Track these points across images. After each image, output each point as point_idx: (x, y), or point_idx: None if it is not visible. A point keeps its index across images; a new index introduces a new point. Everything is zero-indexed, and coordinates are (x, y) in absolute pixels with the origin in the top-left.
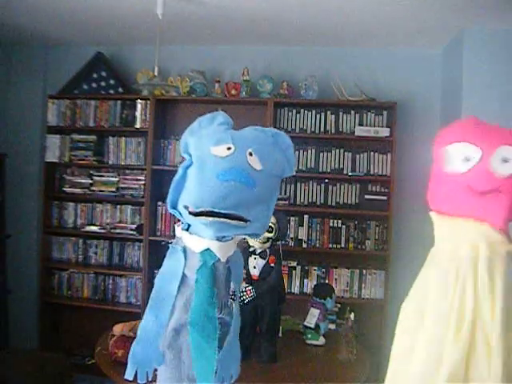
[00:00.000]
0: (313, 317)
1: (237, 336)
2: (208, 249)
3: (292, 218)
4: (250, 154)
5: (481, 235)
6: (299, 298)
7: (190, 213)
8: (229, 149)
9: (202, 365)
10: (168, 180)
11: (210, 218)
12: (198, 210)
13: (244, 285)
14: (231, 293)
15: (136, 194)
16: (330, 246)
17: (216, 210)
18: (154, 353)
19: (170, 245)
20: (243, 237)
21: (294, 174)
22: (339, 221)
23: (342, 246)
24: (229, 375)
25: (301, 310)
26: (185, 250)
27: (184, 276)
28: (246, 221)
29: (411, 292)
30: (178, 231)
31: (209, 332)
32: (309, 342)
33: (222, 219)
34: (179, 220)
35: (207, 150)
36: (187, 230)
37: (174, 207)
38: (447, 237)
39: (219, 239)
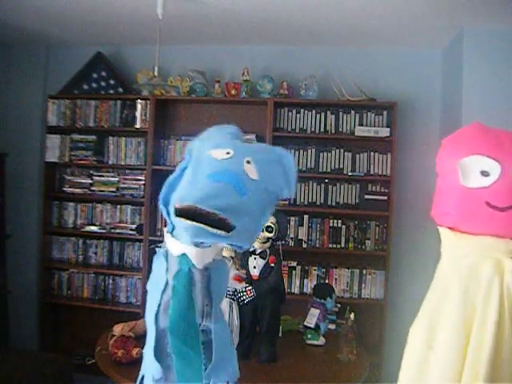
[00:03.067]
0: (313, 317)
1: (226, 342)
2: (184, 254)
3: (292, 218)
4: (248, 162)
5: (504, 251)
6: (299, 298)
7: (175, 208)
8: (227, 153)
9: (188, 374)
10: None
11: (189, 222)
12: (181, 206)
13: (244, 285)
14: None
15: (136, 194)
16: (330, 246)
17: (199, 207)
18: (153, 363)
19: (156, 248)
20: (224, 245)
21: (293, 197)
22: (339, 221)
23: (342, 246)
24: (223, 381)
25: (301, 309)
26: (167, 254)
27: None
28: (229, 229)
29: (423, 312)
30: (165, 234)
31: (191, 338)
32: (309, 342)
33: (199, 224)
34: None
35: (206, 152)
36: (171, 232)
37: (165, 204)
38: (465, 254)
39: (196, 245)
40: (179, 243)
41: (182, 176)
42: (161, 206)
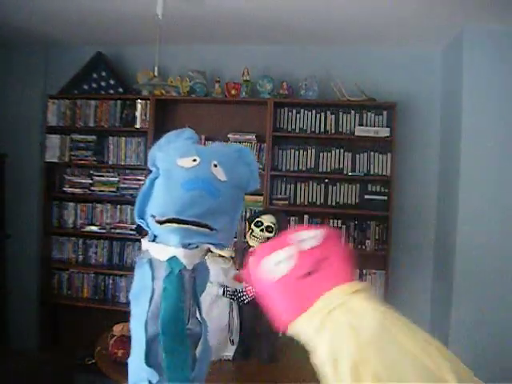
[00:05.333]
0: None
1: (208, 345)
2: (174, 256)
3: (292, 218)
4: (215, 166)
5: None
6: None
7: (157, 221)
8: (194, 160)
9: (177, 365)
10: None
11: (175, 225)
12: (163, 219)
13: (244, 285)
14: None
15: (136, 194)
16: None
17: (181, 218)
18: (145, 369)
19: (137, 259)
20: (209, 246)
21: (259, 187)
22: (339, 221)
23: None
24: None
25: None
26: (151, 262)
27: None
28: (211, 229)
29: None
30: (144, 244)
31: (180, 336)
32: None
33: (187, 226)
34: (145, 234)
35: (173, 162)
36: (153, 241)
37: (142, 217)
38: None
39: (185, 246)
40: (167, 247)
41: (153, 187)
42: (137, 221)
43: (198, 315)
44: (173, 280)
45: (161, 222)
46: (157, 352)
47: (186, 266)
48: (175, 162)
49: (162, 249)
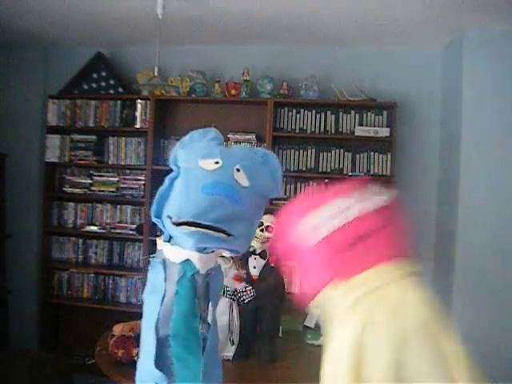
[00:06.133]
0: (313, 317)
1: (216, 351)
2: (188, 260)
3: None
4: (238, 170)
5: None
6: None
7: (173, 223)
8: (216, 163)
9: (187, 378)
10: None
11: (193, 228)
12: (180, 221)
13: (244, 285)
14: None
15: (136, 194)
16: None
17: (198, 222)
18: (154, 372)
19: (151, 259)
20: (223, 252)
21: (280, 195)
22: None
23: None
24: None
25: (301, 310)
26: (164, 263)
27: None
28: (228, 235)
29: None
30: (160, 244)
31: (193, 344)
32: (309, 341)
33: (204, 230)
34: (161, 233)
35: (195, 163)
36: (168, 241)
37: (158, 217)
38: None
39: (200, 250)
40: (182, 250)
41: (172, 187)
42: (154, 220)
43: (212, 321)
44: (185, 284)
45: (177, 224)
46: (166, 355)
47: (199, 270)
48: (197, 163)
49: (177, 251)
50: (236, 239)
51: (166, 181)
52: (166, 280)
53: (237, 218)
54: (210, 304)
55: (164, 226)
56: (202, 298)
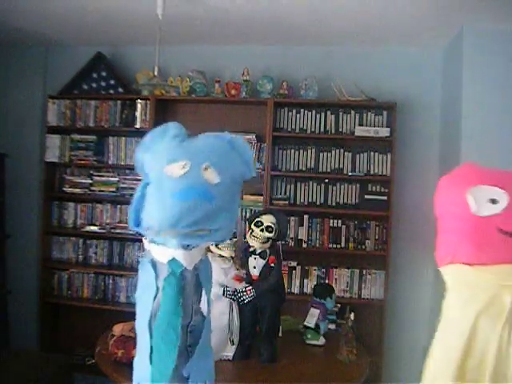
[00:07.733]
0: (313, 317)
1: (209, 342)
2: (174, 259)
3: (292, 218)
4: (206, 168)
5: None
6: (299, 298)
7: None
8: (184, 166)
9: (159, 369)
10: None
11: (173, 233)
12: (160, 232)
13: (244, 285)
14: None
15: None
16: (330, 246)
17: (177, 230)
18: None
19: (139, 258)
20: (210, 243)
21: (255, 175)
22: (339, 221)
23: (342, 246)
24: (202, 380)
25: (301, 310)
26: (153, 262)
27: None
28: (210, 230)
29: (441, 357)
30: (146, 244)
31: (170, 340)
32: (309, 342)
33: (184, 231)
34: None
35: (162, 170)
36: (154, 242)
37: (137, 225)
38: (486, 286)
39: (184, 248)
40: (167, 249)
41: (145, 195)
42: (134, 229)
43: (202, 311)
44: (171, 281)
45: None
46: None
47: (186, 267)
48: (164, 170)
49: (162, 251)
50: (218, 231)
51: (138, 189)
52: (157, 278)
53: (215, 213)
54: (204, 292)
55: (145, 234)
56: (192, 292)
